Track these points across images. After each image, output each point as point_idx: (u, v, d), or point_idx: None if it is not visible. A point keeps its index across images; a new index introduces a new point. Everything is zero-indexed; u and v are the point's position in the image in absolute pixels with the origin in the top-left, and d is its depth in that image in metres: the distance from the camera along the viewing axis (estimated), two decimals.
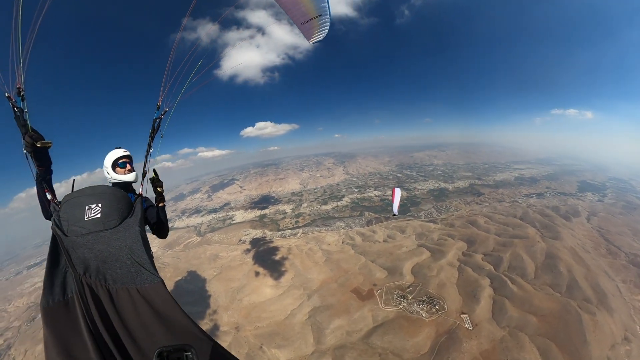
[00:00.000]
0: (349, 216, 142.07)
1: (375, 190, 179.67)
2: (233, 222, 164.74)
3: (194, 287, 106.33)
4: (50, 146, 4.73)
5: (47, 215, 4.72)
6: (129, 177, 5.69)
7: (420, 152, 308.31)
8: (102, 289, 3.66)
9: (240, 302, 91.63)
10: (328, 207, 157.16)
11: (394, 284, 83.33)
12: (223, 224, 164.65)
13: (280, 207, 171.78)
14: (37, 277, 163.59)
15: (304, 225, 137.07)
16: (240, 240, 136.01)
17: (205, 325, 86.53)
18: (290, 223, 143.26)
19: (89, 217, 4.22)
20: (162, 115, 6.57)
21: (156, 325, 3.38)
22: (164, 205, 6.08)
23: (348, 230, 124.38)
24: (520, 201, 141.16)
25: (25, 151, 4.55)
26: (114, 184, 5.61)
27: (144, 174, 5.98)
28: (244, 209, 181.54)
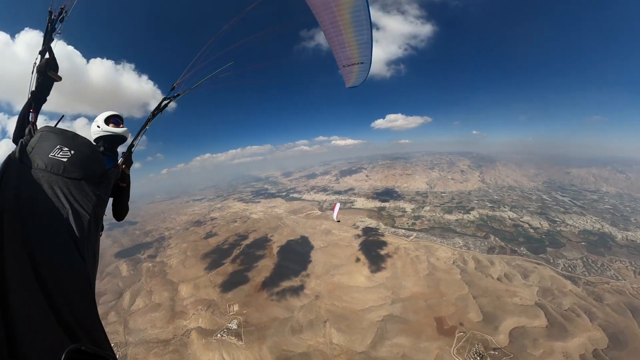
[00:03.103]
0: (472, 235, 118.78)
1: (510, 210, 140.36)
2: (353, 206, 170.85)
3: (301, 250, 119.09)
4: (58, 81, 4.79)
5: (19, 137, 4.32)
6: (120, 130, 5.46)
7: (581, 169, 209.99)
8: (16, 234, 2.74)
9: (332, 277, 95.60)
10: (452, 217, 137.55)
11: (481, 336, 66.63)
12: (343, 206, 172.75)
13: (401, 204, 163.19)
14: (197, 207, 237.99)
15: (420, 230, 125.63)
16: (354, 225, 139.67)
17: (293, 282, 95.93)
18: (407, 223, 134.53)
19: (53, 155, 3.78)
20: (173, 97, 6.48)
21: (58, 317, 2.41)
22: (126, 187, 5.64)
23: (464, 251, 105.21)
24: None
25: (34, 67, 4.56)
26: (99, 139, 5.42)
27: (131, 146, 5.78)
28: (365, 197, 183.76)
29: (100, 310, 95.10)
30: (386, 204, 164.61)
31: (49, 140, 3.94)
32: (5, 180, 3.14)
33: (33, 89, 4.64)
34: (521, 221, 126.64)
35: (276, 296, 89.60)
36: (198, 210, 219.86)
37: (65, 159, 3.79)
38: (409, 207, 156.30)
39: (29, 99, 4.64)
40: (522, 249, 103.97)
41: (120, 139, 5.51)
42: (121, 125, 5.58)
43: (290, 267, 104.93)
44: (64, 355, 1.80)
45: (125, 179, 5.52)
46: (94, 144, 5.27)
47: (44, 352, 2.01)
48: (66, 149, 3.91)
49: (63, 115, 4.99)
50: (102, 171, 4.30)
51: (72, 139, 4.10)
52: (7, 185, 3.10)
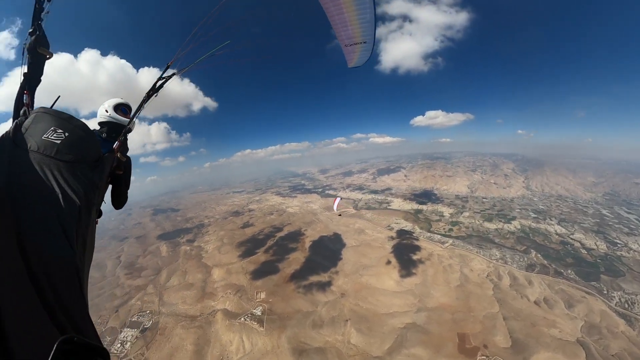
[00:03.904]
0: (510, 247, 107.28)
1: (558, 224, 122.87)
2: (389, 207, 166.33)
3: (333, 246, 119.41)
4: (49, 57, 4.68)
5: (15, 119, 4.28)
6: (126, 120, 5.52)
7: None
8: (6, 217, 2.66)
9: (360, 277, 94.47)
10: (491, 225, 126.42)
11: None
12: (379, 206, 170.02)
13: (440, 207, 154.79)
14: (236, 198, 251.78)
15: (457, 237, 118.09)
16: (388, 226, 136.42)
17: (321, 277, 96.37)
18: (443, 228, 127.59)
19: (47, 137, 3.66)
20: (168, 77, 6.25)
21: (48, 307, 2.36)
22: (123, 175, 5.50)
23: (500, 265, 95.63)
24: None
25: (24, 48, 4.50)
26: (104, 124, 5.51)
27: (127, 130, 5.45)
28: (402, 198, 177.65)
29: (140, 282, 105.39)
30: (424, 207, 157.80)
31: (43, 121, 3.83)
32: None
33: (25, 70, 4.54)
34: (571, 238, 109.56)
35: (303, 289, 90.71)
36: (237, 201, 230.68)
37: (58, 141, 3.68)
38: (447, 211, 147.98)
39: (22, 81, 4.55)
40: (569, 271, 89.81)
41: (123, 128, 5.40)
42: (128, 115, 5.61)
43: (320, 263, 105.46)
44: (55, 346, 1.74)
45: (121, 166, 5.27)
46: (97, 127, 5.40)
47: (32, 343, 1.96)
48: (60, 130, 3.79)
49: (59, 96, 4.84)
50: (96, 156, 4.18)
51: (67, 121, 3.99)
52: None
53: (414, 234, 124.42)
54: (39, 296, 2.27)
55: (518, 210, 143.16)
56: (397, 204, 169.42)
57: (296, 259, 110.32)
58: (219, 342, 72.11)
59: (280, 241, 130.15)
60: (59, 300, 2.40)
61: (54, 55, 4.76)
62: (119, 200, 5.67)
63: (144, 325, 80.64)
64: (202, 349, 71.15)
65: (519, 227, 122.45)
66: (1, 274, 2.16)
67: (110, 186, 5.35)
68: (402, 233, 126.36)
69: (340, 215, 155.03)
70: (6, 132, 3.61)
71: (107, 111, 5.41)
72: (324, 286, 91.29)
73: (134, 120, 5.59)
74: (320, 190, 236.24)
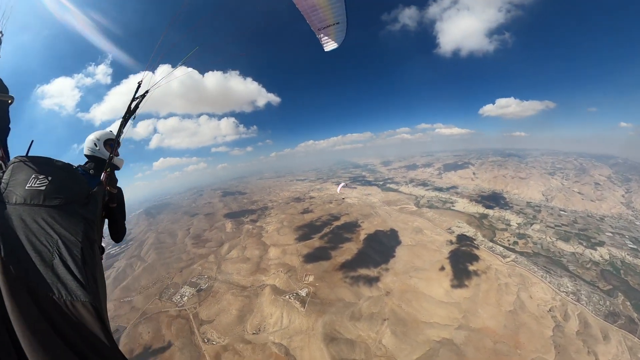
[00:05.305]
0: (589, 282, 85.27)
1: None
2: (452, 207, 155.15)
3: (387, 242, 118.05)
4: (10, 102, 4.48)
5: None
6: (115, 159, 5.39)
7: None
8: (14, 276, 2.72)
9: (410, 278, 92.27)
10: (567, 247, 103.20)
11: None
12: (442, 205, 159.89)
13: (507, 214, 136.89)
14: (299, 186, 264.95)
15: (521, 253, 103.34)
16: (449, 229, 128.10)
17: (370, 271, 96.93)
18: (508, 240, 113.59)
19: (30, 186, 3.59)
20: (141, 96, 6.07)
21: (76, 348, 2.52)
22: (117, 207, 5.38)
23: (570, 301, 77.63)
24: None
25: None
26: (92, 158, 5.47)
27: (110, 158, 5.23)
28: (468, 199, 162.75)
29: (204, 251, 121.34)
30: (490, 212, 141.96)
31: (22, 171, 3.74)
32: None
33: None
34: None
35: (350, 280, 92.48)
36: (299, 188, 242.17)
37: (43, 187, 3.62)
38: (515, 220, 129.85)
39: None
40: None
41: (108, 166, 5.19)
42: (116, 151, 5.50)
43: (371, 257, 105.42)
44: None
45: (113, 199, 5.14)
46: (85, 160, 5.37)
47: None
48: (42, 176, 3.72)
49: (33, 141, 4.58)
50: (85, 192, 4.07)
51: (46, 165, 3.93)
52: None
53: (475, 241, 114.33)
54: (65, 343, 2.41)
55: (609, 233, 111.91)
56: (462, 205, 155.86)
57: (349, 249, 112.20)
58: (260, 313, 79.58)
59: (336, 230, 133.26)
60: (85, 341, 2.54)
61: None
62: (117, 233, 5.55)
63: (200, 286, 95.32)
64: (244, 315, 79.68)
65: (607, 257, 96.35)
66: (25, 331, 2.29)
67: (107, 220, 5.36)
68: (462, 238, 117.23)
69: (344, 199, 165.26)
70: None
71: (96, 145, 5.39)
72: (371, 281, 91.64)
73: (119, 156, 5.58)
74: (381, 183, 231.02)
